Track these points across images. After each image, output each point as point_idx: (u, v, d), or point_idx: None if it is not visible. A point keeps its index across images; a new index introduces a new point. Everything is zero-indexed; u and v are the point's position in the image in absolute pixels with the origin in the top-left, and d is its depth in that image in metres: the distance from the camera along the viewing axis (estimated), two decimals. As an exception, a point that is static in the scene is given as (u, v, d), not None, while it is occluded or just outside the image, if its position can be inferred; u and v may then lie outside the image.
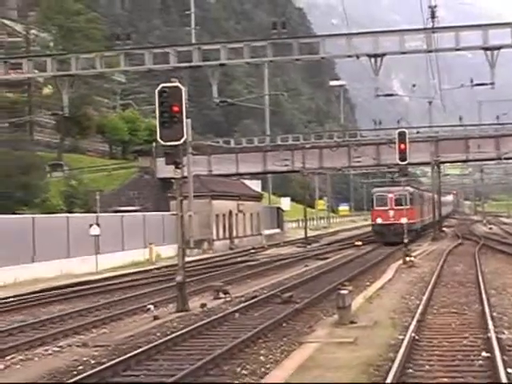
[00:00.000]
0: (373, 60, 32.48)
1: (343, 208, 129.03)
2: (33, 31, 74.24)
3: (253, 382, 11.66)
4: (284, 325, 18.83)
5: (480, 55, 32.30)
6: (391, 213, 55.28)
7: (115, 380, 12.06)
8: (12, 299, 26.72)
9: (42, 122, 78.65)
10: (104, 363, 14.44)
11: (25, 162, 52.03)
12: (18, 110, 72.65)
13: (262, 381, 11.03)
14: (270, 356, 15.05)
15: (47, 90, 71.95)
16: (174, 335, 17.13)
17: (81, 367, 14.65)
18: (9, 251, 33.50)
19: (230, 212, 60.90)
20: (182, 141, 21.36)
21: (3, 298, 26.86)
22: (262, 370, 13.79)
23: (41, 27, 75.17)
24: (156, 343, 16.19)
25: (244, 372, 13.69)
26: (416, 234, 59.26)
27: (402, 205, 50.54)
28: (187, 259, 25.30)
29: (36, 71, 38.68)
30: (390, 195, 56.00)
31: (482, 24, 32.86)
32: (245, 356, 15.09)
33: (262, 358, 14.93)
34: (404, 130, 41.76)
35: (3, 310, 24.19)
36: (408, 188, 56.25)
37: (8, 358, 15.93)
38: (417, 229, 60.41)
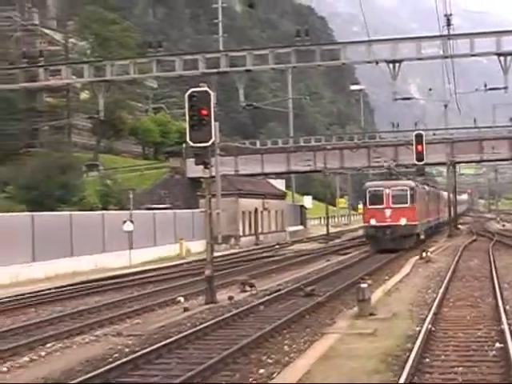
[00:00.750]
0: (391, 66, 32.34)
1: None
2: (71, 40, 74.72)
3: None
4: (307, 316, 18.80)
5: (494, 61, 32.05)
6: (387, 212, 42.41)
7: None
8: (53, 291, 26.94)
9: (80, 125, 79.09)
10: (137, 351, 14.49)
11: (63, 162, 52.37)
12: (57, 113, 73.13)
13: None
14: (294, 346, 15.04)
15: (84, 95, 72.38)
16: (203, 326, 17.15)
17: (116, 355, 14.72)
18: (50, 246, 33.76)
19: (256, 209, 60.90)
20: (210, 142, 21.37)
21: (45, 290, 27.09)
22: (286, 358, 13.79)
23: (79, 36, 75.68)
24: (186, 333, 16.23)
25: (269, 361, 13.69)
26: (418, 238, 45.57)
27: (401, 202, 42.29)
28: (215, 254, 25.37)
29: (74, 77, 38.85)
30: (387, 191, 42.97)
31: (496, 31, 32.59)
32: (270, 346, 15.09)
33: (286, 347, 14.92)
34: (421, 132, 41.67)
35: (45, 301, 24.40)
36: (409, 182, 45.75)
37: (48, 345, 16.06)
38: (420, 232, 46.63)
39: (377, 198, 42.83)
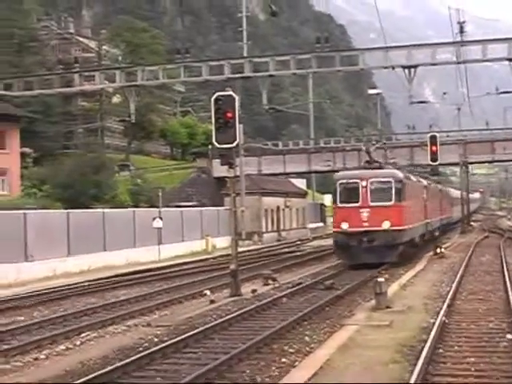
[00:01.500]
0: (407, 71, 32.23)
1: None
2: (104, 47, 75.11)
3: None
4: (326, 309, 18.77)
5: (505, 66, 31.84)
6: (364, 213, 29.57)
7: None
8: (87, 284, 27.10)
9: (112, 128, 79.50)
10: (166, 341, 14.55)
11: (97, 162, 52.61)
12: (91, 117, 73.60)
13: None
14: (314, 336, 15.03)
15: (116, 99, 72.76)
16: (228, 317, 17.17)
17: (146, 344, 14.78)
18: (84, 242, 33.95)
19: (278, 207, 60.87)
20: (235, 144, 21.36)
21: (80, 283, 27.25)
22: (307, 348, 13.78)
23: (111, 43, 76.09)
24: (212, 324, 16.27)
25: (291, 350, 13.69)
26: (410, 246, 32.61)
27: (383, 199, 29.82)
28: (239, 249, 25.36)
29: (107, 82, 39.06)
30: (364, 183, 29.90)
31: (507, 38, 32.37)
32: (291, 336, 15.08)
33: (306, 338, 14.91)
34: (435, 133, 41.32)
35: (80, 293, 24.56)
36: (394, 172, 31.87)
37: (83, 335, 16.16)
38: (414, 238, 33.52)
39: (350, 194, 30.17)
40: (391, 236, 29.09)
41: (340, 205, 30.35)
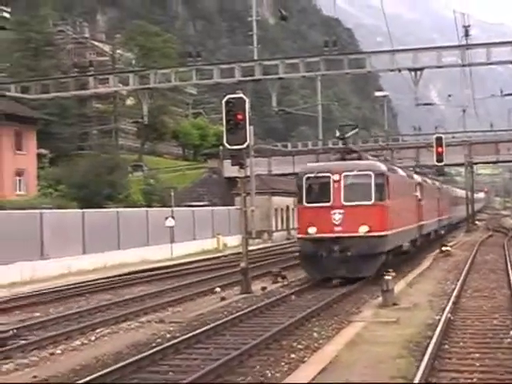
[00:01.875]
0: (413, 73, 32.19)
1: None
2: (118, 51, 75.30)
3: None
4: (334, 306, 18.74)
5: (509, 69, 31.75)
6: (336, 215, 23.34)
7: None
8: (101, 281, 27.16)
9: (126, 129, 79.65)
10: (178, 337, 14.56)
11: (111, 163, 52.76)
12: (105, 118, 73.81)
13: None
14: (323, 333, 15.01)
15: (130, 102, 72.87)
16: (238, 314, 17.18)
17: (159, 340, 14.81)
18: (98, 240, 34.04)
19: (288, 207, 60.85)
20: (245, 145, 21.37)
21: (94, 280, 27.31)
22: (315, 345, 13.76)
23: (125, 47, 76.31)
24: (223, 321, 16.27)
25: (299, 346, 13.68)
26: (388, 259, 24.46)
27: (360, 198, 23.54)
28: (250, 248, 25.35)
29: (120, 85, 39.13)
30: (336, 177, 23.57)
31: (511, 41, 32.26)
32: (300, 333, 15.07)
33: (315, 334, 14.89)
34: (441, 135, 41.30)
35: (94, 290, 24.61)
36: (375, 164, 25.26)
37: (98, 330, 16.19)
38: (398, 247, 26.44)
39: (318, 191, 24.06)
40: (370, 243, 22.72)
41: (306, 205, 23.77)
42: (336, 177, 23.41)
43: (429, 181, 41.40)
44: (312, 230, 23.30)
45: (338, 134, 27.87)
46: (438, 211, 42.97)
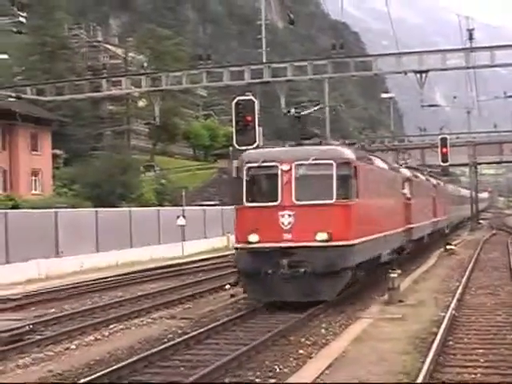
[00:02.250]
0: (418, 75, 32.07)
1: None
2: (130, 54, 75.54)
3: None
4: (341, 303, 18.72)
5: (513, 71, 31.64)
6: (286, 218, 17.12)
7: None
8: (114, 278, 27.21)
9: (138, 130, 79.85)
10: (189, 333, 14.59)
11: (124, 163, 52.91)
12: (118, 120, 74.07)
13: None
14: (330, 329, 15.00)
15: (142, 103, 72.98)
16: (247, 311, 17.18)
17: (170, 335, 14.84)
18: (111, 238, 34.12)
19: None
20: (254, 145, 21.32)
21: (107, 277, 27.36)
22: (323, 341, 13.76)
23: (137, 50, 76.48)
24: (232, 317, 16.27)
25: (307, 342, 13.67)
26: (357, 276, 18.33)
27: (319, 195, 17.32)
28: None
29: (133, 87, 39.10)
30: (285, 167, 17.32)
31: (515, 44, 32.12)
32: (307, 329, 15.05)
33: (322, 330, 14.89)
34: (446, 135, 41.17)
35: (107, 287, 24.67)
36: (339, 150, 18.55)
37: (111, 326, 16.25)
38: (373, 259, 20.03)
39: (263, 186, 18.45)
40: (331, 256, 16.68)
41: (247, 204, 17.65)
42: (285, 167, 17.17)
43: (421, 176, 35.73)
44: (254, 238, 17.16)
45: (292, 111, 21.30)
46: (434, 212, 37.14)
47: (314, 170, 17.38)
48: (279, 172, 17.26)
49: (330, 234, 16.85)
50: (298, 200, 17.09)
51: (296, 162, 17.28)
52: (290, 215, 17.05)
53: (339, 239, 16.95)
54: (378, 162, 23.14)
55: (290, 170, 17.22)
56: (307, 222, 16.95)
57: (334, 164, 17.29)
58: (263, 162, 17.64)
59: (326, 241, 16.82)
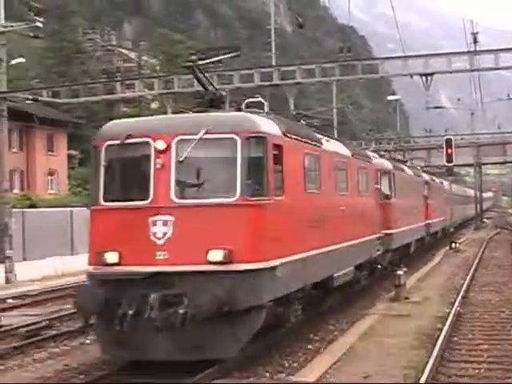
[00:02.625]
0: (424, 78, 32.02)
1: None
2: (143, 58, 75.69)
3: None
4: (349, 300, 18.71)
5: (516, 73, 31.52)
6: (159, 226, 10.03)
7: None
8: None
9: (151, 132, 79.97)
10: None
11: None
12: (131, 121, 74.14)
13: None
14: (338, 325, 15.01)
15: (154, 105, 73.07)
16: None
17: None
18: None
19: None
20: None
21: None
22: (331, 336, 13.76)
23: (150, 54, 76.64)
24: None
25: (316, 338, 13.68)
26: (286, 315, 11.74)
27: (212, 192, 10.22)
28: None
29: (146, 90, 39.25)
30: (159, 145, 10.21)
31: (519, 47, 32.02)
32: (316, 325, 15.05)
33: (331, 326, 14.89)
34: (450, 136, 40.96)
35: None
36: (249, 119, 10.97)
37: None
38: (323, 282, 13.49)
39: (128, 176, 11.18)
40: (232, 287, 9.92)
41: (105, 204, 11.24)
42: (161, 145, 10.49)
43: (409, 171, 29.49)
44: (112, 258, 10.71)
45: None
46: (426, 213, 32.04)
47: (206, 149, 10.49)
48: (152, 153, 10.50)
49: (230, 251, 10.08)
50: (179, 198, 10.37)
51: (178, 138, 10.49)
52: (166, 222, 10.26)
53: (245, 260, 10.16)
54: (334, 143, 15.82)
55: (169, 149, 10.44)
56: (193, 232, 10.23)
57: (239, 140, 10.44)
58: (128, 137, 10.79)
59: (224, 263, 10.08)
